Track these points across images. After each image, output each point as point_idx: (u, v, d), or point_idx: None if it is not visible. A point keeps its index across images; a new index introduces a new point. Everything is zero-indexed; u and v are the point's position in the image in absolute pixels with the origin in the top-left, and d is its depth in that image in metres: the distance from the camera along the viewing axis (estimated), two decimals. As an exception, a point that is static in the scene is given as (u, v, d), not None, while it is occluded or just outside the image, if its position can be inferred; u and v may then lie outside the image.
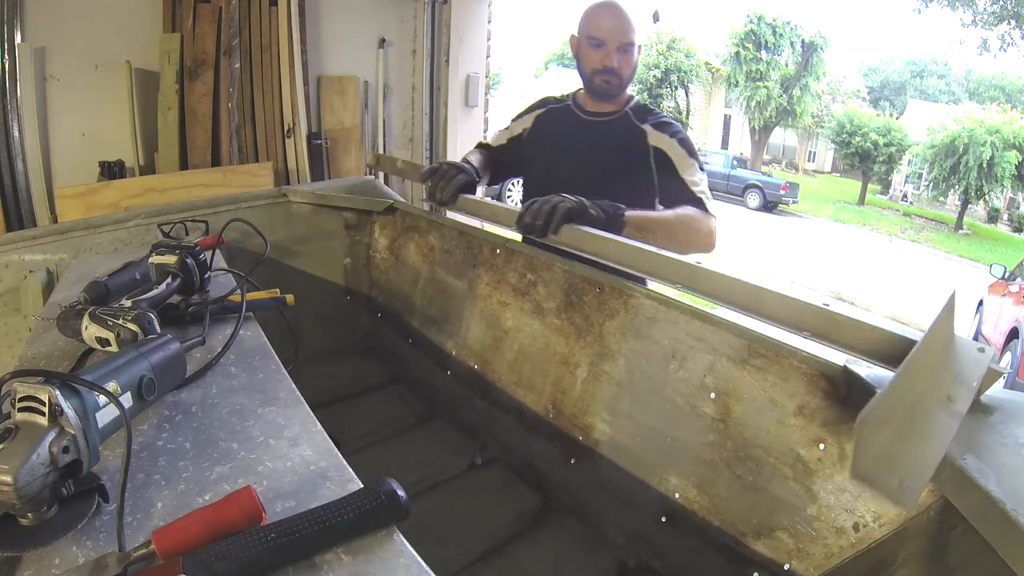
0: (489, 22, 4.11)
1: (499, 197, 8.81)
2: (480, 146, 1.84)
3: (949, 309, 0.68)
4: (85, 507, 0.54)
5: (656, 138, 1.58)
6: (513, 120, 1.84)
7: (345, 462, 0.60)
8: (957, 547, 0.64)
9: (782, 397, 0.90)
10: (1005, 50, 9.89)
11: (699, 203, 1.46)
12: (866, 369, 0.79)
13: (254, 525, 0.50)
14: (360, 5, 3.69)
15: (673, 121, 1.66)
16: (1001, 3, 9.27)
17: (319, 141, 3.55)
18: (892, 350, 0.75)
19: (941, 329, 0.68)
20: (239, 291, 0.96)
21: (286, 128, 3.30)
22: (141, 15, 2.93)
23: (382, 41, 3.80)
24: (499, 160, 1.78)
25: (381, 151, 3.82)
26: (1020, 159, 17.64)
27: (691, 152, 1.56)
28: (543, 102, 1.83)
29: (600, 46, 1.57)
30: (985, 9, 9.51)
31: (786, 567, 0.87)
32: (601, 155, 1.62)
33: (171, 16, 2.96)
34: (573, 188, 1.37)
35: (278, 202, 1.61)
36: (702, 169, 1.55)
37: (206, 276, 0.98)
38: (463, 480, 1.26)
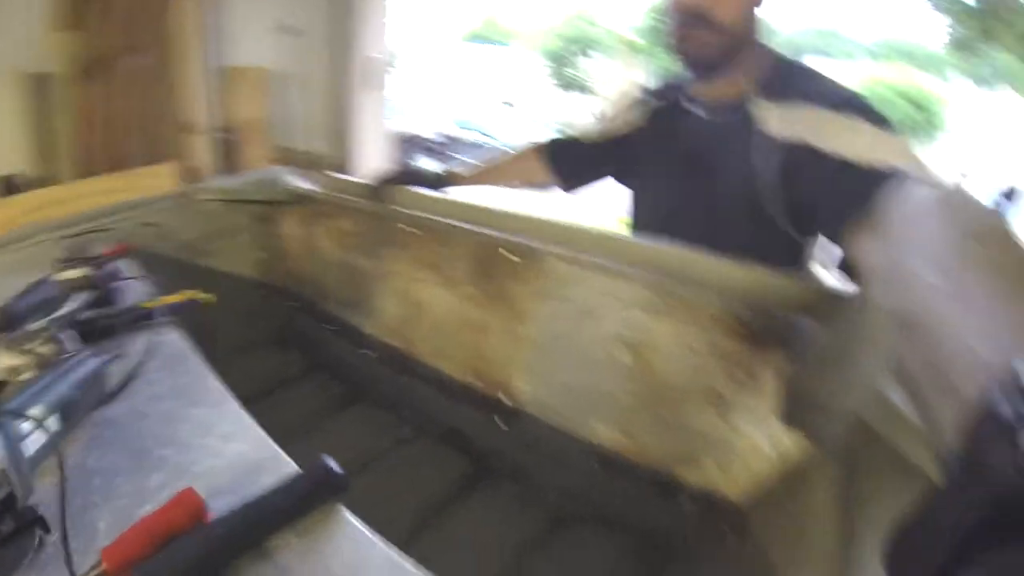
0: (389, 1, 4.06)
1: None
2: (530, 151, 1.44)
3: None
4: (27, 542, 0.53)
5: (789, 122, 0.96)
6: (617, 110, 1.35)
7: (280, 450, 0.63)
8: (868, 455, 0.72)
9: (695, 339, 0.97)
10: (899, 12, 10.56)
11: (894, 182, 0.77)
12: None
13: (200, 524, 0.52)
14: (261, -10, 3.56)
15: (815, 73, 1.05)
16: None
17: (225, 136, 3.44)
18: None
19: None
20: (154, 297, 0.96)
21: (190, 124, 3.18)
22: (28, 14, 2.73)
23: (285, 28, 3.70)
24: (587, 159, 1.37)
25: (288, 142, 3.73)
26: (919, 114, 19.05)
27: (842, 108, 0.91)
28: (664, 90, 1.27)
29: None
30: None
31: (714, 491, 0.96)
32: (705, 191, 1.09)
33: (64, 14, 2.78)
34: (686, 231, 1.04)
35: (186, 202, 1.58)
36: (888, 127, 0.89)
37: (118, 286, 0.97)
38: (394, 455, 1.29)
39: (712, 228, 1.05)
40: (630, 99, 1.34)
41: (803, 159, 0.91)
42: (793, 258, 1.03)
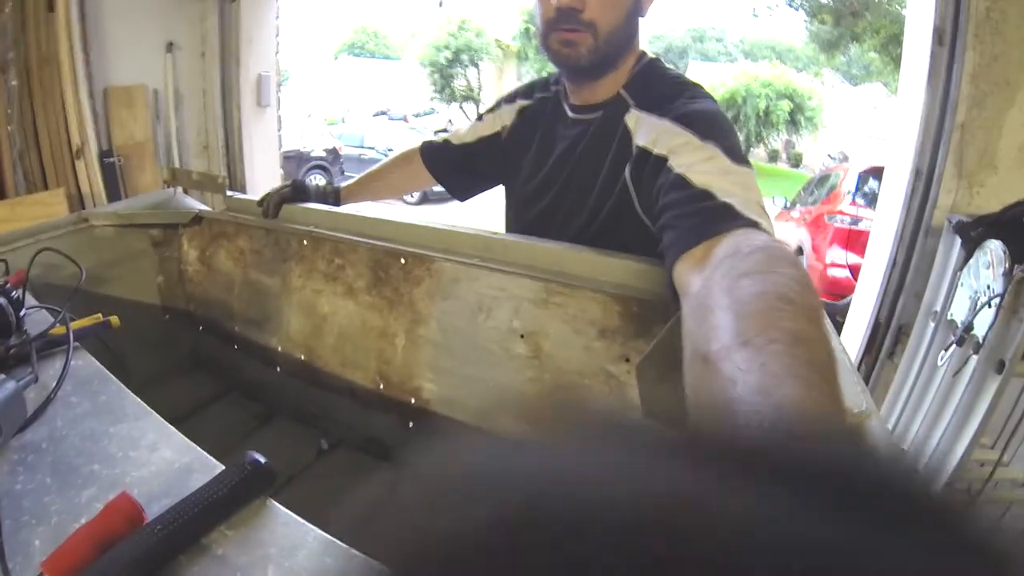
0: (277, 18, 4.03)
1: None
2: (411, 152, 1.47)
3: None
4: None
5: (645, 130, 0.99)
6: (487, 111, 1.38)
7: (207, 453, 0.66)
8: None
9: (584, 326, 1.06)
10: (772, 15, 11.45)
11: (727, 217, 0.75)
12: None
13: (138, 526, 0.54)
14: (145, 8, 3.47)
15: (689, 86, 1.05)
16: None
17: (111, 159, 3.32)
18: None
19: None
20: (60, 323, 0.96)
21: (75, 148, 3.04)
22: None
23: (170, 45, 3.61)
24: (461, 162, 1.39)
25: (176, 162, 3.64)
26: (791, 107, 20.60)
27: (702, 130, 0.89)
28: (528, 88, 1.31)
29: None
30: None
31: None
32: (576, 186, 1.11)
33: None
34: (554, 232, 1.13)
35: (79, 228, 1.55)
36: (739, 159, 0.85)
37: (22, 314, 0.96)
38: (314, 469, 1.32)
39: (582, 225, 1.10)
40: (501, 99, 1.37)
41: (656, 170, 0.92)
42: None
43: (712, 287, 0.60)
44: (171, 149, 3.73)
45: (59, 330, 0.95)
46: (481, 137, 1.36)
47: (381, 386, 1.33)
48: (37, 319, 1.03)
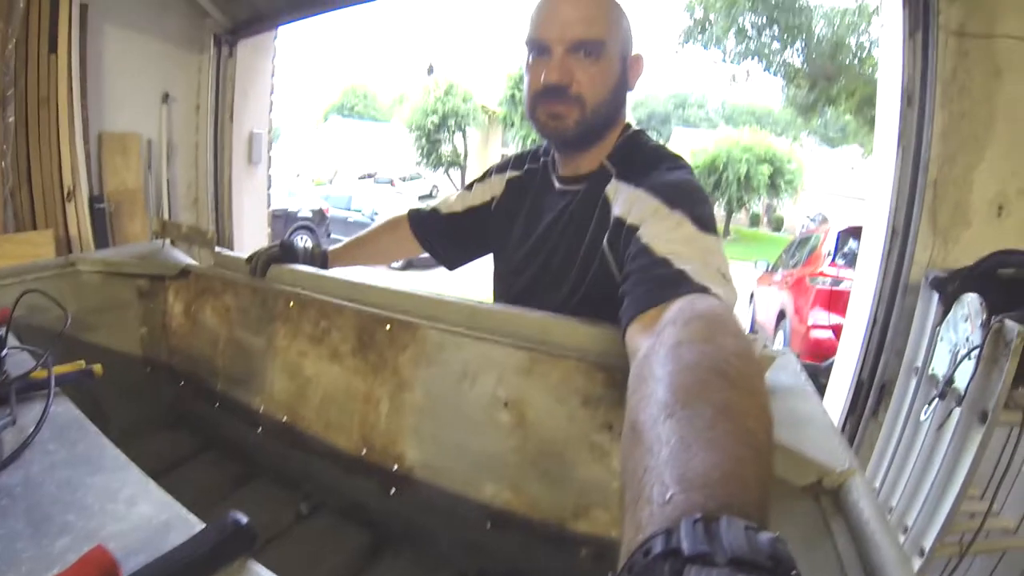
0: (272, 76, 4.10)
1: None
2: (399, 219, 1.50)
3: None
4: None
5: (622, 199, 1.02)
6: (478, 180, 1.40)
7: (187, 511, 0.64)
8: None
9: (568, 394, 1.05)
10: (749, 82, 12.05)
11: (679, 283, 0.78)
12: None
13: None
14: (144, 57, 3.53)
15: (668, 157, 1.09)
16: (745, 44, 11.18)
17: (102, 205, 3.32)
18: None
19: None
20: (42, 366, 0.94)
21: (66, 191, 3.03)
22: None
23: (166, 96, 3.65)
24: (449, 233, 1.42)
25: (166, 213, 3.64)
26: (771, 170, 21.17)
27: (672, 199, 0.93)
28: (520, 159, 1.33)
29: (543, 54, 1.05)
30: (732, 50, 11.44)
31: (607, 538, 1.02)
32: (560, 256, 1.13)
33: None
34: (539, 301, 1.13)
35: (66, 272, 1.54)
36: (706, 227, 0.90)
37: (3, 354, 0.94)
38: (293, 532, 1.28)
39: (567, 294, 1.11)
40: (491, 169, 1.40)
41: (628, 239, 0.94)
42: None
43: (650, 356, 0.62)
44: (161, 200, 3.74)
45: (40, 373, 0.93)
46: (470, 207, 1.38)
47: (364, 451, 1.30)
48: (18, 360, 1.01)
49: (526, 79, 1.11)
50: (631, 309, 0.80)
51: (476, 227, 1.37)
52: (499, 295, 1.30)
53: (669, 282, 0.79)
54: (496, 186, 1.34)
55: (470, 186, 1.41)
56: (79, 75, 3.12)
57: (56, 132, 3.04)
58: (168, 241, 1.75)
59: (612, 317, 0.93)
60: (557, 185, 1.19)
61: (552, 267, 1.14)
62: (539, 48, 1.06)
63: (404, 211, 1.52)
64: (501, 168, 1.36)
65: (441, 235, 1.44)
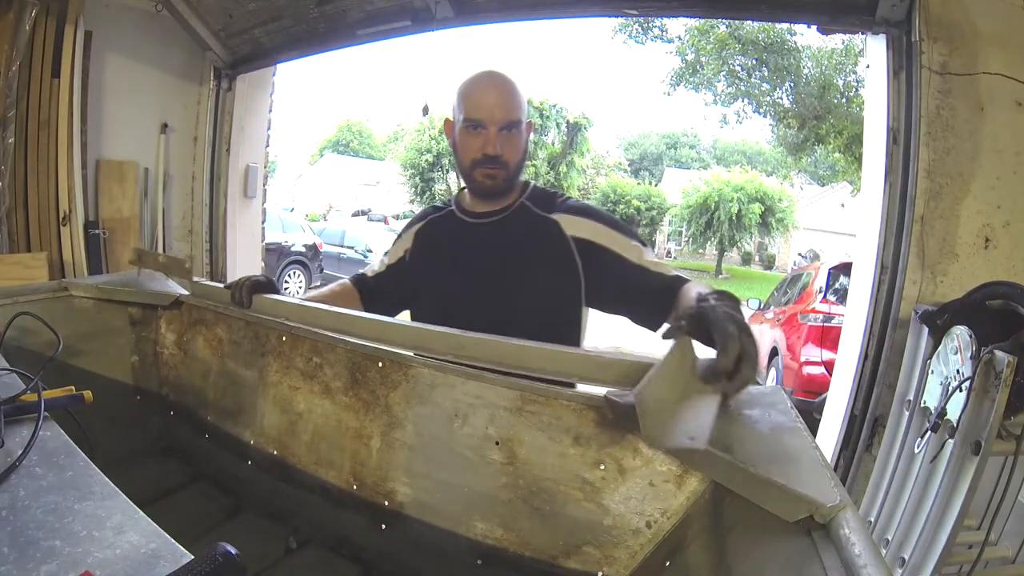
0: (270, 111, 4.14)
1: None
2: (346, 283, 1.67)
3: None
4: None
5: (574, 226, 1.40)
6: (393, 245, 1.65)
7: (175, 541, 0.64)
8: (728, 512, 0.82)
9: (558, 433, 1.06)
10: (741, 122, 12.27)
11: (681, 279, 1.31)
12: (620, 394, 0.96)
13: None
14: (144, 86, 3.57)
15: (589, 204, 1.51)
16: (735, 86, 11.36)
17: (97, 231, 3.32)
18: (638, 374, 0.92)
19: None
20: (32, 390, 0.93)
21: (62, 215, 3.03)
22: None
23: (164, 127, 3.67)
24: (378, 291, 1.62)
25: (160, 242, 3.63)
26: (762, 209, 21.29)
27: (628, 232, 1.41)
28: (421, 214, 1.64)
29: (478, 128, 1.37)
30: (723, 91, 11.67)
31: (595, 574, 1.02)
32: (500, 261, 1.44)
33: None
34: (476, 309, 1.38)
35: (59, 296, 1.54)
36: (646, 245, 1.39)
37: (-8, 376, 0.93)
38: (281, 567, 1.26)
39: (498, 298, 1.41)
40: (401, 231, 1.66)
41: (607, 260, 1.37)
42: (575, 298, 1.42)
43: (690, 288, 1.26)
44: (156, 229, 3.74)
45: (30, 397, 0.92)
46: (388, 265, 1.62)
47: (354, 487, 1.29)
48: (7, 383, 1.00)
49: (460, 145, 1.42)
50: (678, 283, 1.31)
51: (396, 281, 1.60)
52: (456, 315, 1.31)
53: (679, 279, 1.32)
54: (406, 241, 1.60)
55: (386, 252, 1.66)
56: (80, 101, 3.15)
57: (55, 156, 3.06)
58: (160, 270, 1.74)
59: (572, 326, 1.45)
60: (469, 220, 1.50)
61: (499, 280, 1.42)
62: (475, 124, 1.37)
63: (352, 276, 1.71)
64: (407, 227, 1.63)
65: (372, 292, 1.62)
